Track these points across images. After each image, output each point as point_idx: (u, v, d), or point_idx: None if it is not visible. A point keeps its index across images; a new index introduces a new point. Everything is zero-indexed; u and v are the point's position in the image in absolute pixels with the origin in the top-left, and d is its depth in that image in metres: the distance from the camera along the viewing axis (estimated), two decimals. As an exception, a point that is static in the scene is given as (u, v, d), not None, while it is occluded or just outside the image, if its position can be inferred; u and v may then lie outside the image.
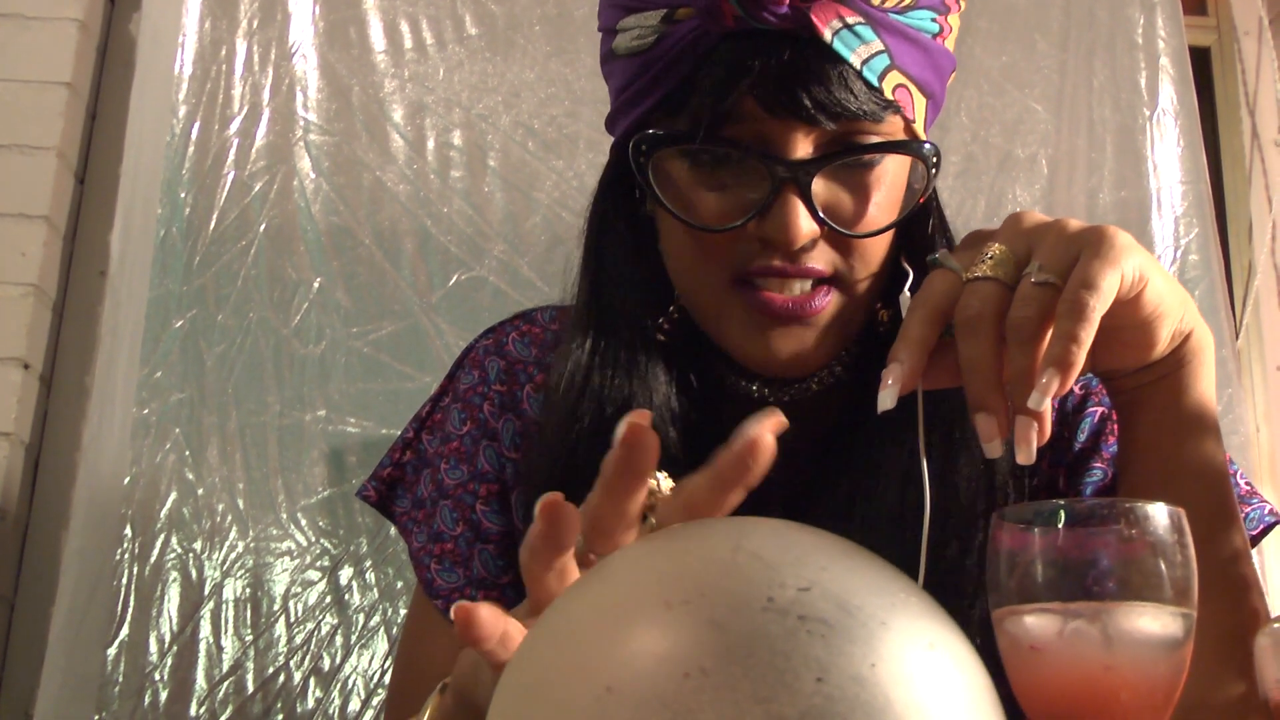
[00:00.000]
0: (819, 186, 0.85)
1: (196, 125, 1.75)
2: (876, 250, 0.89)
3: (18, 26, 1.77)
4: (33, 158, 1.72)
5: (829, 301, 0.88)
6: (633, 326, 0.95)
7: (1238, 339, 1.96)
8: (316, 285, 1.71)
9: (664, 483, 0.61)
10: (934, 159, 0.88)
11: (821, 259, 0.87)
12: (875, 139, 0.87)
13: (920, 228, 0.94)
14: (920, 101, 0.88)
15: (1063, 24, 1.98)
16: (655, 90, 0.88)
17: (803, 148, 0.85)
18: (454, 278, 1.73)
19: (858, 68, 0.83)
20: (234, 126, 1.76)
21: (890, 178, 0.89)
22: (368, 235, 1.74)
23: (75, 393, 1.70)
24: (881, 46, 0.84)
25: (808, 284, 0.88)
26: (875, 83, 0.84)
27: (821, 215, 0.85)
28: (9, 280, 1.67)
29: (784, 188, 0.84)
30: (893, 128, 0.87)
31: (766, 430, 0.55)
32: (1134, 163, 1.92)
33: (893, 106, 0.85)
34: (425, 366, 1.68)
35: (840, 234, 0.86)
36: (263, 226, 1.72)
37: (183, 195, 1.73)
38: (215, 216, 1.72)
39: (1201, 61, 2.18)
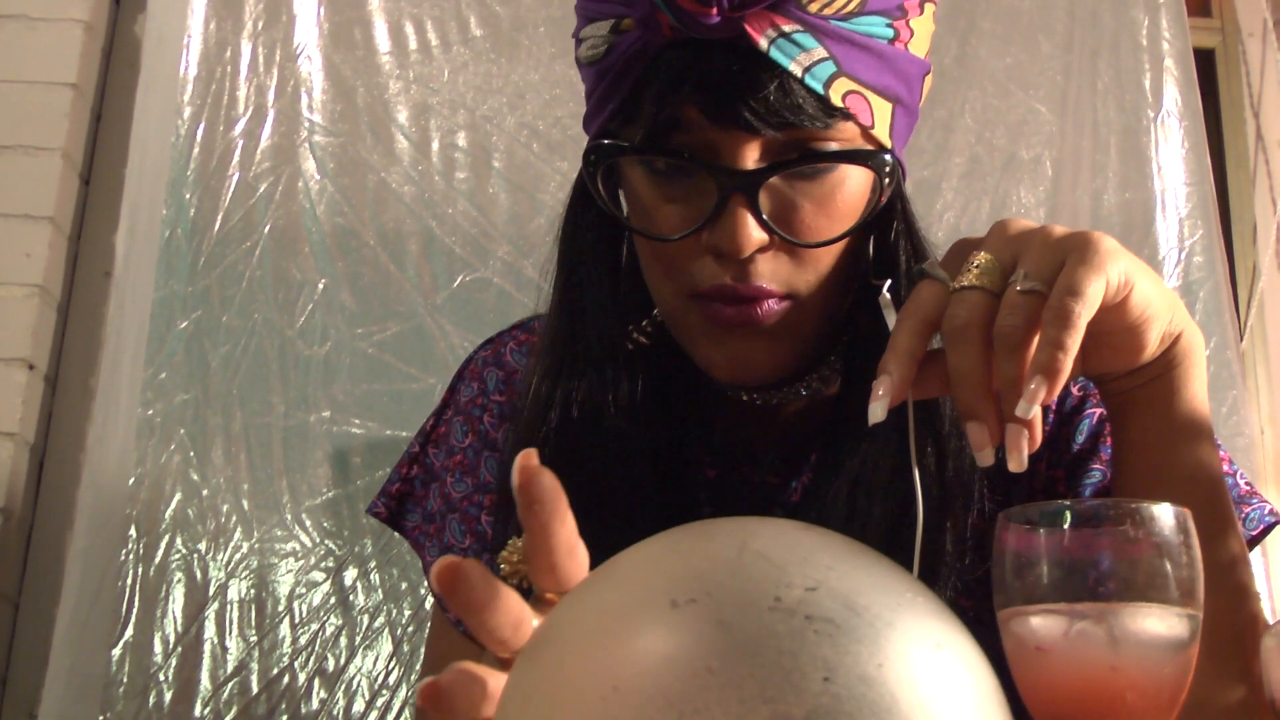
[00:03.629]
0: (768, 196, 0.84)
1: (201, 126, 1.76)
2: (831, 261, 0.88)
3: (23, 27, 1.77)
4: (38, 158, 1.72)
5: (780, 308, 0.87)
6: (602, 334, 0.95)
7: (1242, 341, 1.96)
8: (321, 286, 1.71)
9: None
10: (887, 168, 0.86)
11: (773, 277, 0.86)
12: (833, 145, 0.85)
13: (884, 236, 0.93)
14: (882, 107, 0.87)
15: (1067, 26, 1.98)
16: (612, 99, 0.88)
17: (751, 157, 0.84)
18: (458, 279, 1.73)
19: (799, 75, 0.82)
20: (239, 128, 1.76)
21: (848, 187, 0.87)
22: (372, 236, 1.74)
23: (80, 393, 1.70)
24: (825, 54, 0.83)
25: (761, 305, 0.87)
26: (820, 90, 0.83)
27: (770, 224, 0.84)
28: (14, 281, 1.67)
29: (731, 197, 0.83)
30: (848, 134, 0.86)
31: (524, 460, 0.54)
32: (1138, 164, 1.92)
33: (842, 113, 0.84)
34: (430, 368, 1.68)
35: (790, 244, 0.85)
36: (267, 227, 1.72)
37: (188, 196, 1.73)
38: (220, 217, 1.73)
39: (1206, 63, 2.18)
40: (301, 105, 1.78)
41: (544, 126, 1.81)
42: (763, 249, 0.85)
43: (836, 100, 0.83)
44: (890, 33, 0.87)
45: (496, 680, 0.54)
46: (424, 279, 1.73)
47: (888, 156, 0.87)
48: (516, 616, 0.54)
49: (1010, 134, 1.91)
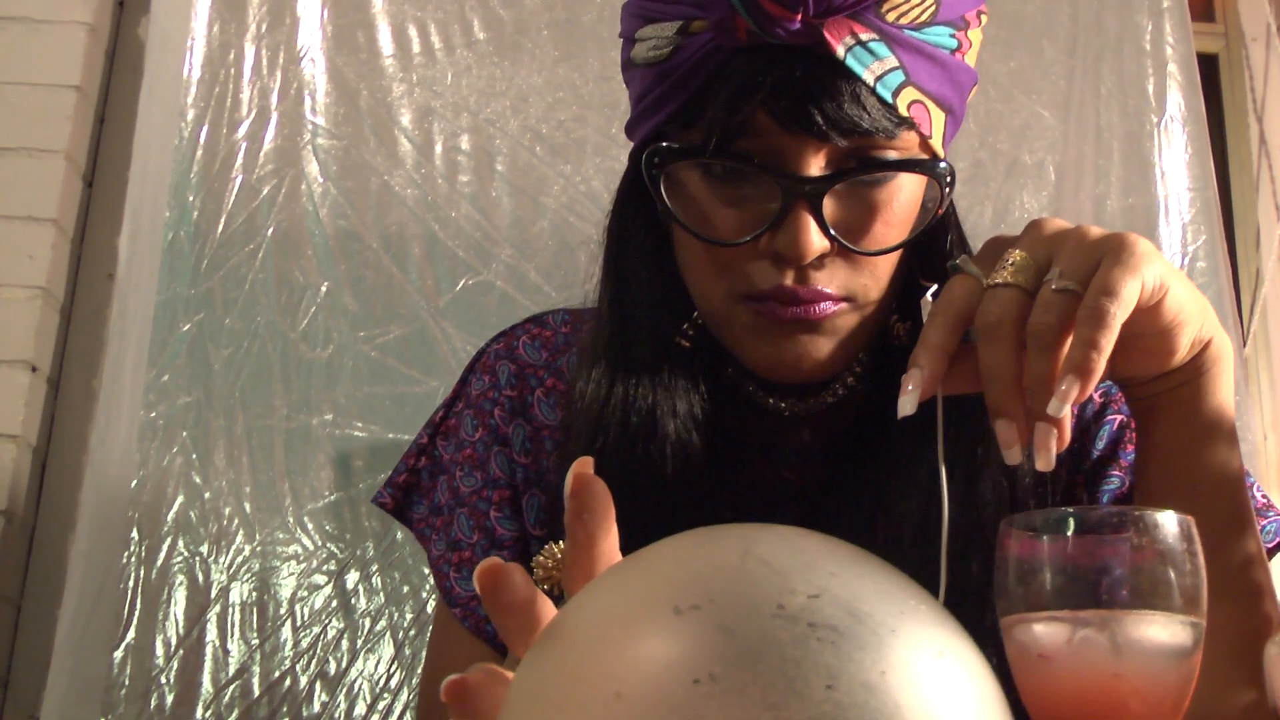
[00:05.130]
0: (830, 203, 0.85)
1: (205, 129, 1.76)
2: (888, 268, 0.89)
3: (27, 30, 1.77)
4: (41, 161, 1.72)
5: (837, 310, 0.88)
6: (655, 336, 0.95)
7: (1245, 346, 1.96)
8: (324, 289, 1.71)
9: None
10: (948, 177, 0.87)
11: (832, 281, 0.87)
12: (891, 154, 0.86)
13: (937, 244, 0.93)
14: (938, 117, 0.88)
15: (1070, 30, 1.98)
16: (671, 101, 0.88)
17: (815, 163, 0.85)
18: (461, 282, 1.73)
19: (871, 84, 0.83)
20: (242, 130, 1.76)
21: (904, 195, 0.88)
22: (375, 239, 1.74)
23: (82, 395, 1.70)
24: (896, 63, 0.84)
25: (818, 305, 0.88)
26: (889, 99, 0.84)
27: (833, 232, 0.85)
28: (17, 283, 1.67)
29: (795, 203, 0.84)
30: (908, 144, 0.87)
31: (580, 468, 0.54)
32: (1141, 169, 1.92)
33: (907, 123, 0.85)
34: (432, 371, 1.68)
35: (851, 251, 0.86)
36: (270, 230, 1.73)
37: (191, 199, 1.73)
38: (223, 220, 1.73)
39: (1209, 68, 2.18)
40: (305, 108, 1.78)
41: (547, 130, 1.81)
42: (821, 260, 0.86)
43: (903, 109, 0.84)
44: (954, 43, 0.88)
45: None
46: (426, 282, 1.73)
47: (945, 165, 0.87)
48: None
49: (1013, 139, 1.91)
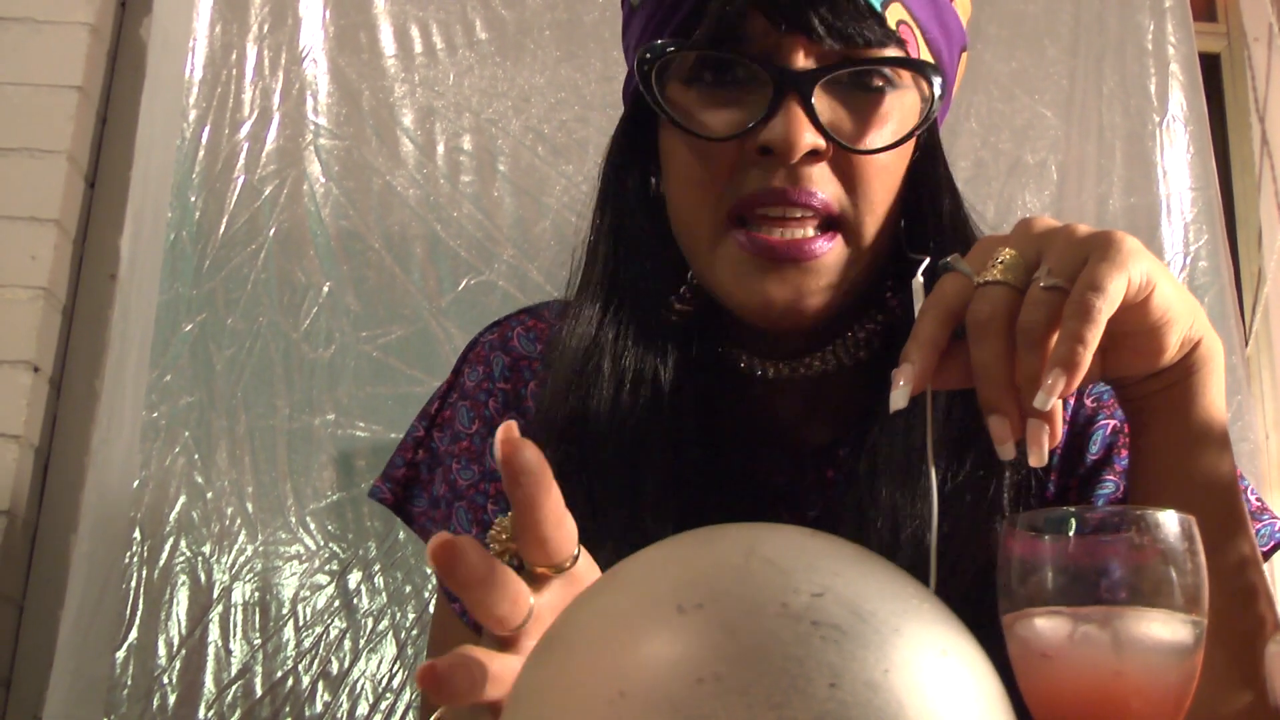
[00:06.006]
0: (822, 103, 0.86)
1: (207, 129, 1.76)
2: (881, 186, 0.89)
3: (29, 30, 1.77)
4: (43, 161, 1.72)
5: (829, 248, 0.88)
6: (648, 297, 0.95)
7: (1247, 346, 1.96)
8: (326, 289, 1.71)
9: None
10: (938, 87, 0.88)
11: (824, 187, 0.87)
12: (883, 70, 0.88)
13: (935, 204, 0.94)
14: (924, 50, 0.89)
15: (1072, 30, 1.98)
16: (670, 20, 0.89)
17: (806, 63, 0.86)
18: (463, 282, 1.73)
19: None
20: (244, 130, 1.76)
21: (896, 114, 0.89)
22: (377, 239, 1.74)
23: (85, 396, 1.70)
24: None
25: (809, 229, 0.88)
26: (878, 8, 0.85)
27: (825, 129, 0.85)
28: (19, 283, 1.68)
29: (786, 96, 0.85)
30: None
31: (505, 434, 0.55)
32: (1144, 169, 1.92)
33: (894, 38, 0.86)
34: (434, 370, 1.68)
35: (843, 149, 0.86)
36: (272, 230, 1.73)
37: (193, 199, 1.73)
38: (225, 220, 1.73)
39: (1211, 68, 2.18)
40: (307, 108, 1.78)
41: (549, 130, 1.81)
42: (813, 163, 0.86)
43: (891, 24, 0.86)
44: None
45: (498, 662, 0.55)
46: (429, 282, 1.73)
47: (938, 79, 0.88)
48: (514, 593, 0.55)
49: (1015, 138, 1.91)
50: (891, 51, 0.87)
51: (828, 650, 0.43)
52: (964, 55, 0.96)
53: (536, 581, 0.58)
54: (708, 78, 0.89)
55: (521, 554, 0.57)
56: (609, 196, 0.99)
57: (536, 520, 0.56)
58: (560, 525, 0.57)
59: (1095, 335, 0.67)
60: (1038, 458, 0.69)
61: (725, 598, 0.45)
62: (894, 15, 0.86)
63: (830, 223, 0.88)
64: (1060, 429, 0.69)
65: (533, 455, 0.55)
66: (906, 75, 0.89)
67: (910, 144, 0.91)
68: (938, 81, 0.88)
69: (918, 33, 0.89)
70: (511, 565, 0.58)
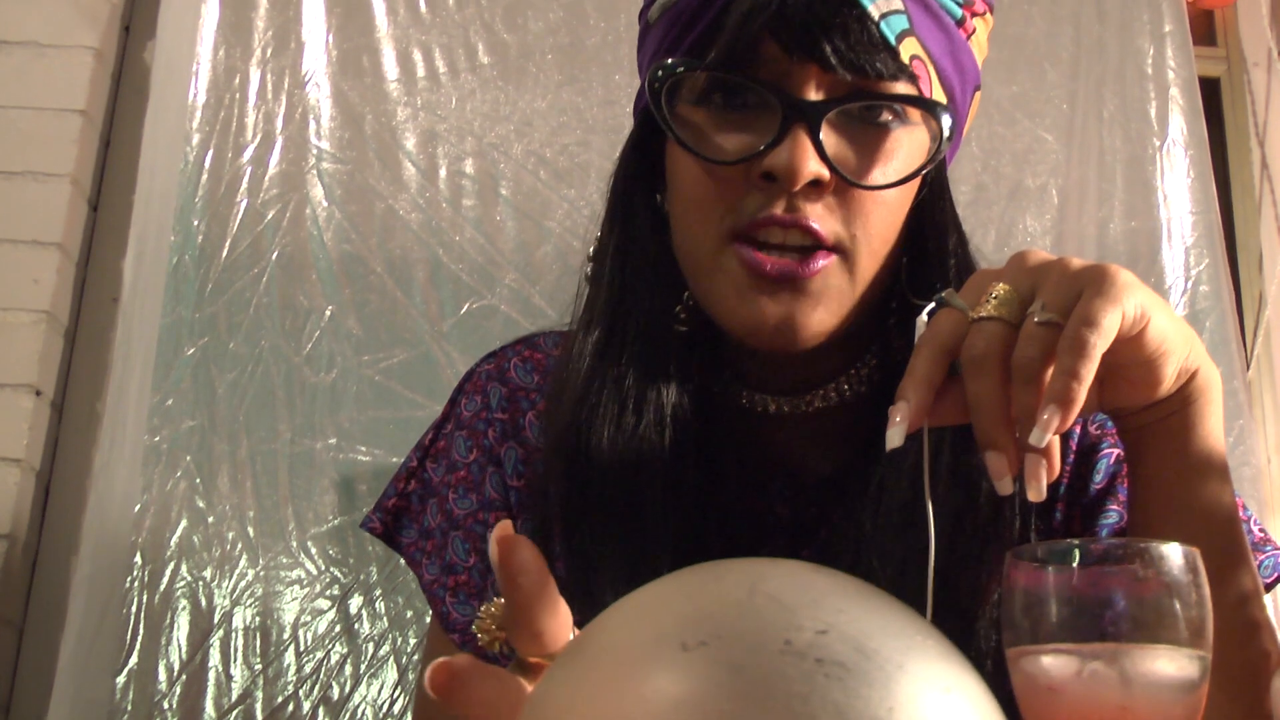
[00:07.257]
0: (829, 134, 0.86)
1: (210, 153, 1.76)
2: (881, 222, 0.89)
3: (33, 54, 1.78)
4: (47, 185, 1.73)
5: (823, 267, 0.87)
6: (651, 324, 0.95)
7: (1248, 370, 1.96)
8: (328, 313, 1.71)
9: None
10: (946, 129, 0.88)
11: (823, 220, 0.87)
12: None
13: (940, 242, 0.94)
14: (936, 87, 0.89)
15: (1073, 54, 1.99)
16: (684, 39, 0.90)
17: (817, 93, 0.86)
18: (465, 306, 1.73)
19: (876, 19, 0.85)
20: (247, 154, 1.77)
21: (903, 151, 0.89)
22: (379, 263, 1.74)
23: (86, 419, 1.70)
24: (901, 6, 0.86)
25: (804, 254, 0.88)
26: (892, 41, 0.85)
27: (830, 160, 0.85)
28: (21, 306, 1.68)
29: (793, 124, 0.85)
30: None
31: (500, 533, 0.54)
32: (1144, 193, 1.93)
33: (907, 72, 0.86)
34: (436, 395, 1.68)
35: (845, 182, 0.86)
36: (275, 254, 1.73)
37: (195, 223, 1.73)
38: (228, 244, 1.73)
39: (1211, 92, 2.19)
40: (309, 132, 1.79)
41: (551, 154, 1.81)
42: (816, 194, 0.86)
43: (904, 58, 0.86)
44: (959, 13, 0.90)
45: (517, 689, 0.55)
46: (431, 306, 1.73)
47: (947, 118, 0.88)
48: (513, 696, 0.54)
49: (1016, 162, 1.91)
50: (903, 86, 0.87)
51: (832, 688, 0.43)
52: (977, 94, 0.96)
53: (528, 671, 0.57)
54: (718, 99, 0.89)
55: (515, 645, 0.56)
56: (617, 212, 0.99)
57: (533, 616, 0.55)
58: (556, 615, 0.56)
59: (1090, 371, 0.67)
60: (1036, 492, 0.68)
61: (729, 635, 0.45)
62: (908, 50, 0.86)
63: (826, 246, 0.88)
64: (1058, 463, 0.69)
65: (529, 554, 0.54)
66: (916, 112, 0.89)
67: (916, 181, 0.91)
68: (947, 121, 0.88)
69: (931, 69, 0.88)
70: (502, 653, 0.57)
